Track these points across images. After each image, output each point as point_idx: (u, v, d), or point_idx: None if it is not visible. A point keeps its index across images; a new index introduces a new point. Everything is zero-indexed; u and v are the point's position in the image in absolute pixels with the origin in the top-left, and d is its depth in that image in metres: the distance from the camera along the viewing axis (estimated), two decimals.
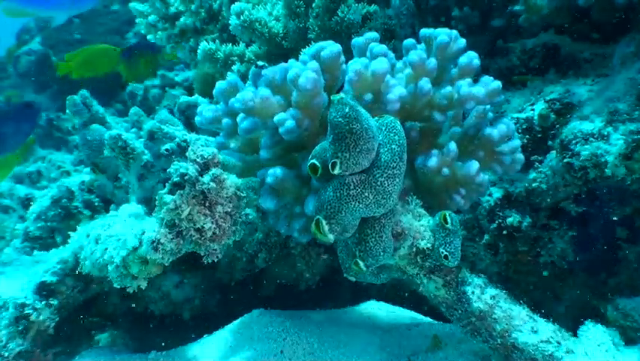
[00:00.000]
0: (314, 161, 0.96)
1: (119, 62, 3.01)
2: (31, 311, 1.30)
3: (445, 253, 1.04)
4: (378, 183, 0.95)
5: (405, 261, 1.11)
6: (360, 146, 0.91)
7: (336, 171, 0.92)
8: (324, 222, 0.95)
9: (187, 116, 1.86)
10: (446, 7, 1.62)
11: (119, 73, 3.15)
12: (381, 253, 1.01)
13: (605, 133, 1.21)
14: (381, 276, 1.16)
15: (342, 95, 0.91)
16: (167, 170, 1.07)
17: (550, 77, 1.47)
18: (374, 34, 1.17)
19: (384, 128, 0.98)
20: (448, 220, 1.04)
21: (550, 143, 1.34)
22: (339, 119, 0.90)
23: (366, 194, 0.94)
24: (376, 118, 1.00)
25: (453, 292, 1.12)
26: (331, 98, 0.93)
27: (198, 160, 1.04)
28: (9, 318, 1.30)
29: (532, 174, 1.34)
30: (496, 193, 1.39)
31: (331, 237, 0.95)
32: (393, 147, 0.96)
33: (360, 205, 0.95)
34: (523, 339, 1.08)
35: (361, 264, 1.00)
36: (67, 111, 1.56)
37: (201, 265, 1.39)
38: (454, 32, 1.14)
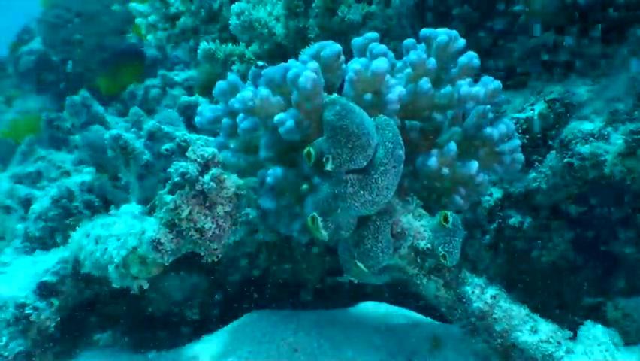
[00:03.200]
0: (310, 148, 0.97)
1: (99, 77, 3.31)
2: (31, 311, 1.30)
3: (444, 252, 1.04)
4: (373, 180, 0.96)
5: (405, 261, 1.11)
6: (353, 142, 0.92)
7: (329, 167, 0.93)
8: (319, 218, 0.96)
9: (187, 116, 1.87)
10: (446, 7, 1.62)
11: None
12: (380, 255, 1.01)
13: (605, 133, 1.21)
14: (382, 276, 1.16)
15: (334, 96, 0.93)
16: (167, 170, 1.07)
17: (550, 77, 1.47)
18: (374, 34, 1.17)
19: (379, 128, 0.98)
20: (450, 220, 1.04)
21: (550, 143, 1.34)
22: (331, 117, 0.93)
23: (362, 192, 0.95)
24: (372, 119, 1.00)
25: (453, 292, 1.12)
26: (325, 99, 0.94)
27: (198, 160, 1.04)
28: (9, 318, 1.30)
29: (532, 174, 1.34)
30: (496, 193, 1.39)
31: (325, 234, 0.96)
32: (386, 143, 0.97)
33: (356, 204, 0.95)
34: (523, 339, 1.08)
35: (361, 266, 1.01)
36: (65, 111, 1.57)
37: (201, 265, 1.40)
38: (454, 32, 1.14)
